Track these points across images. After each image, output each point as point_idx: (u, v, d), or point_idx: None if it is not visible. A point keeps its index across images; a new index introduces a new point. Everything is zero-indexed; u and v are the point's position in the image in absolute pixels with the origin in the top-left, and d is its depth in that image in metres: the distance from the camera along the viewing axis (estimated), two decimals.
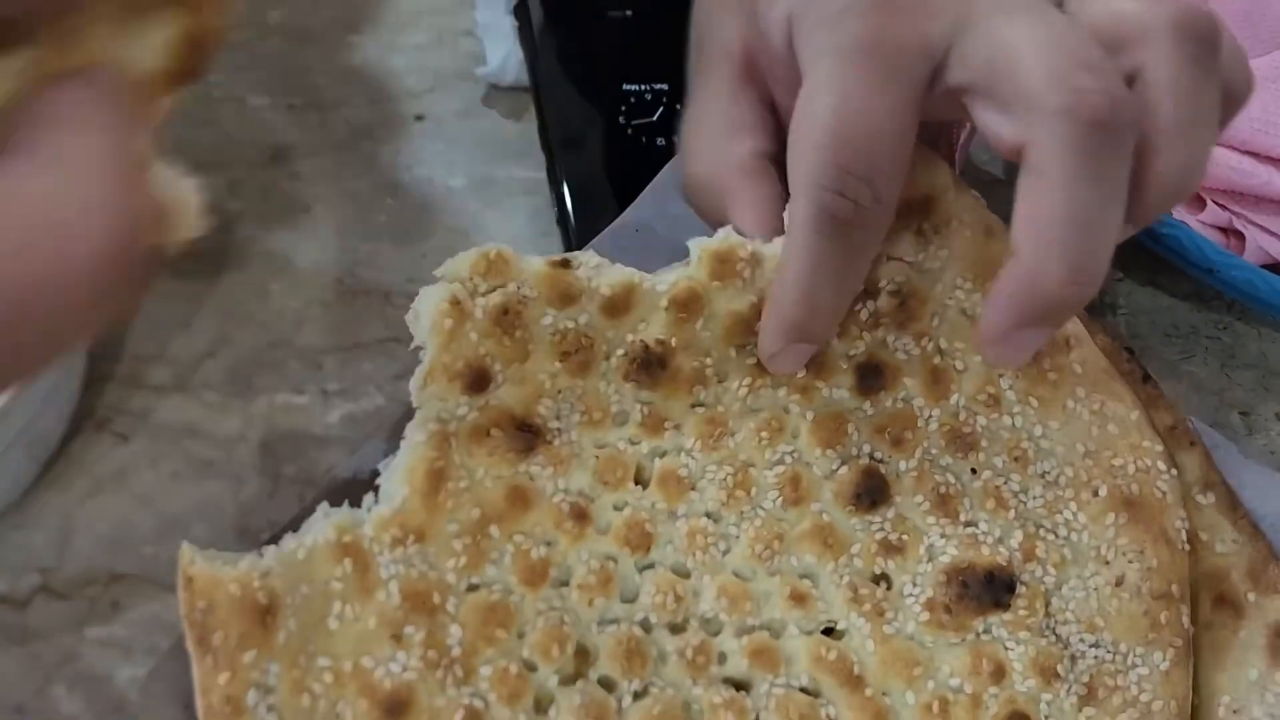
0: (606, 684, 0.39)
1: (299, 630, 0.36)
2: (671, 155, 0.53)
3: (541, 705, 0.38)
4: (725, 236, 0.43)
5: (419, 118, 0.63)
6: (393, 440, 0.41)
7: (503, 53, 0.64)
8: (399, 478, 0.39)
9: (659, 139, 0.61)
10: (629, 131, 0.61)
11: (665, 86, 0.63)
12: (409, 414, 0.41)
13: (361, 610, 0.37)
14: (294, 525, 0.38)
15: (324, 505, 0.38)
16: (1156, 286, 0.57)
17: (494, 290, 0.41)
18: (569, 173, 0.60)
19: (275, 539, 0.37)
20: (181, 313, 0.54)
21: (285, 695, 0.35)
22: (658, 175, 0.50)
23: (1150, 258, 0.54)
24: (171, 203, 0.29)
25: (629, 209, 0.50)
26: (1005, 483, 0.43)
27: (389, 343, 0.54)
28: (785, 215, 0.41)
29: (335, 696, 0.36)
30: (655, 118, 0.62)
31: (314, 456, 0.51)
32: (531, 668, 0.38)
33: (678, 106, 0.62)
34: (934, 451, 0.43)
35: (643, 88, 0.62)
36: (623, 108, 0.62)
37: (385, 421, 0.49)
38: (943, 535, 0.42)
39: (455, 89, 0.64)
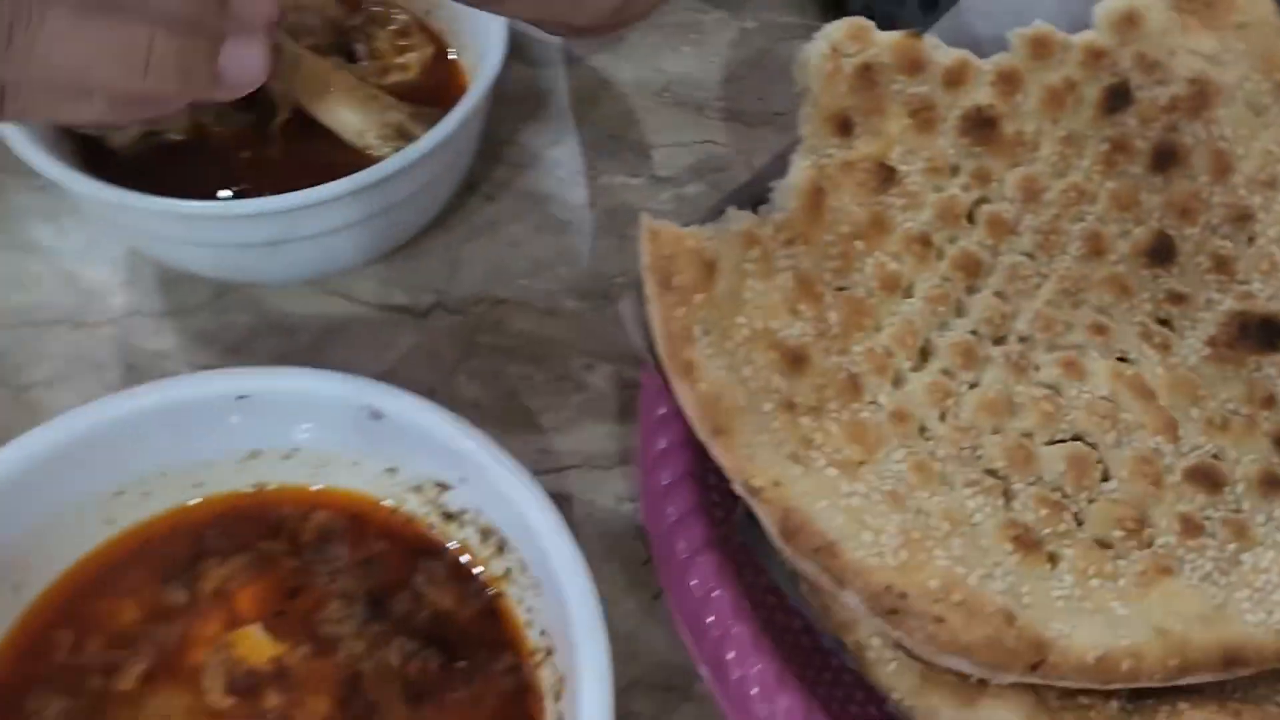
0: (946, 374, 0.46)
1: (726, 291, 0.44)
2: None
3: (898, 381, 0.46)
4: (1040, 25, 0.50)
5: None
6: (761, 180, 0.49)
7: None
8: (790, 193, 0.47)
9: None
10: None
11: None
12: (779, 161, 0.49)
13: (766, 287, 0.45)
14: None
15: (732, 208, 0.46)
16: None
17: (859, 52, 0.49)
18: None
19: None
20: (529, 109, 0.63)
21: (717, 336, 0.43)
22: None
23: None
24: None
25: (935, 27, 0.57)
26: (1279, 250, 0.50)
27: (706, 144, 0.62)
28: None
29: (749, 347, 0.43)
30: None
31: None
32: (889, 353, 0.46)
33: None
34: (1215, 222, 0.50)
35: None
36: None
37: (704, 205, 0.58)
38: (1220, 290, 0.49)
39: None
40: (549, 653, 0.39)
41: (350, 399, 0.40)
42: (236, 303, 0.55)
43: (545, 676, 0.39)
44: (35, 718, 0.38)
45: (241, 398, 0.40)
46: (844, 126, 0.48)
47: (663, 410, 0.45)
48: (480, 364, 0.53)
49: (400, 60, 0.56)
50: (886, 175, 0.48)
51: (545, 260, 0.57)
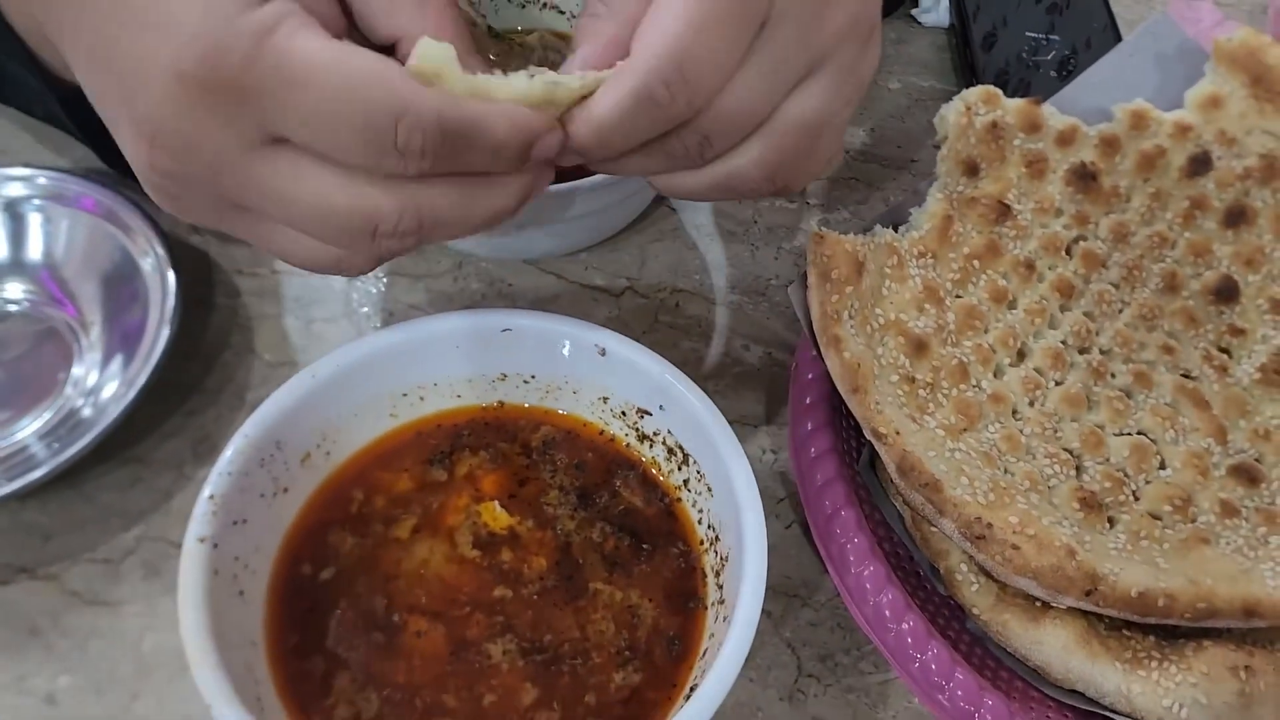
0: (1038, 371, 0.56)
1: (869, 288, 0.55)
2: (1057, 87, 0.71)
3: (998, 373, 0.56)
4: (1139, 102, 0.60)
5: None
6: (900, 209, 0.60)
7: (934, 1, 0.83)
8: (925, 217, 0.57)
9: (1051, 72, 0.79)
10: (1030, 63, 0.79)
11: (1057, 38, 0.80)
12: (914, 195, 0.60)
13: (900, 288, 0.56)
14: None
15: (879, 225, 0.57)
16: None
17: (989, 113, 0.59)
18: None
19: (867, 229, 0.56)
20: None
21: (859, 321, 0.54)
22: (1079, 75, 0.67)
23: None
24: None
25: (1053, 98, 0.67)
26: None
27: (850, 179, 0.73)
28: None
29: (883, 333, 0.54)
30: (1049, 57, 0.79)
31: (803, 241, 0.70)
32: (993, 350, 0.56)
33: (1066, 53, 0.80)
34: (1275, 272, 0.59)
35: (1041, 35, 0.80)
36: (1025, 48, 0.80)
37: (845, 229, 0.69)
38: (1275, 328, 0.58)
39: (889, 24, 0.84)
40: (713, 542, 0.50)
41: (586, 338, 0.52)
42: (472, 273, 0.67)
43: (708, 560, 0.50)
44: (334, 549, 0.50)
45: (505, 330, 0.53)
46: (972, 169, 0.59)
47: (810, 375, 0.56)
48: (660, 337, 0.65)
49: None
50: (1003, 211, 0.59)
51: (715, 261, 0.69)
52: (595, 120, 0.40)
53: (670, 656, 0.48)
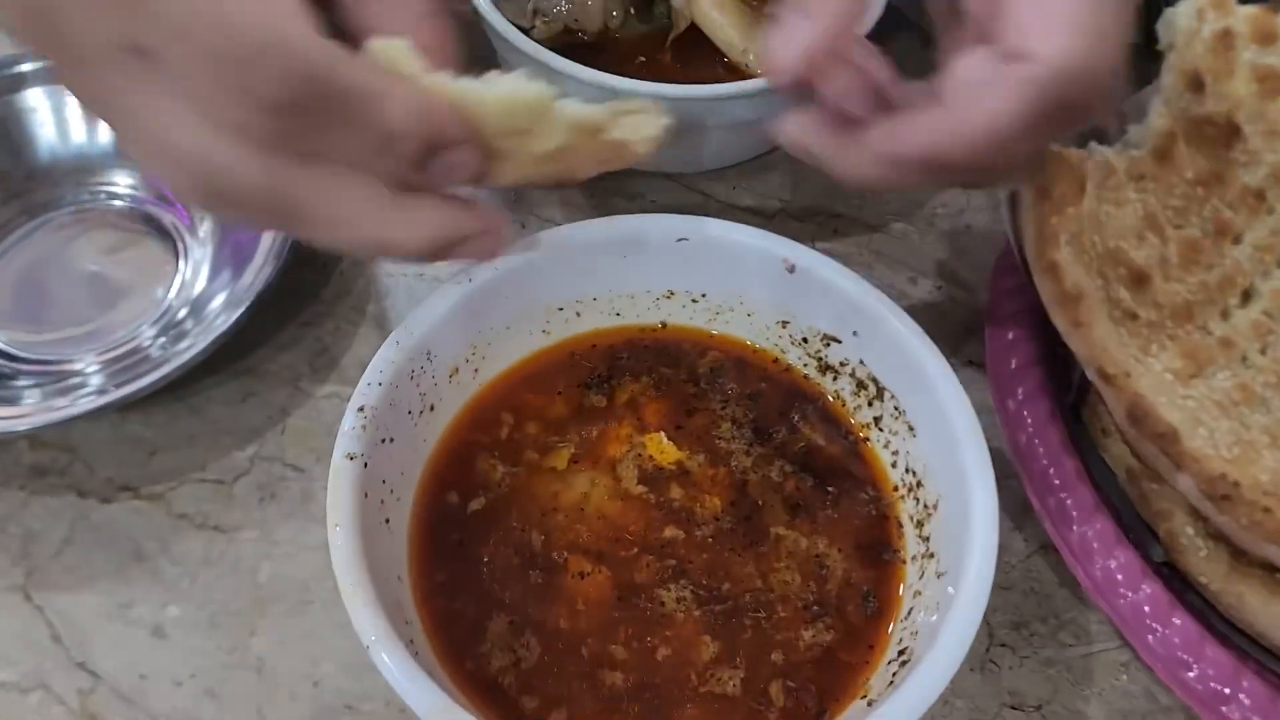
0: (1268, 315, 0.49)
1: (1088, 211, 0.48)
2: None
3: (1225, 315, 0.49)
4: None
5: None
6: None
7: None
8: (1148, 134, 0.50)
9: None
10: None
11: None
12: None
13: (1118, 212, 0.49)
14: None
15: (1093, 142, 0.50)
16: None
17: (1219, 19, 0.52)
18: None
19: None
20: None
21: (1076, 248, 0.47)
22: None
23: None
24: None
25: None
26: None
27: None
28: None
29: (1101, 262, 0.47)
30: None
31: None
32: (1219, 289, 0.49)
33: None
34: None
35: None
36: None
37: None
38: None
39: None
40: (913, 489, 0.44)
41: (773, 251, 0.46)
42: (612, 187, 0.61)
43: (905, 508, 0.44)
44: (483, 477, 0.45)
45: (681, 240, 0.46)
46: (1196, 83, 0.52)
47: (1012, 308, 0.49)
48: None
49: None
50: (1232, 133, 0.51)
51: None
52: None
53: (865, 614, 0.41)
